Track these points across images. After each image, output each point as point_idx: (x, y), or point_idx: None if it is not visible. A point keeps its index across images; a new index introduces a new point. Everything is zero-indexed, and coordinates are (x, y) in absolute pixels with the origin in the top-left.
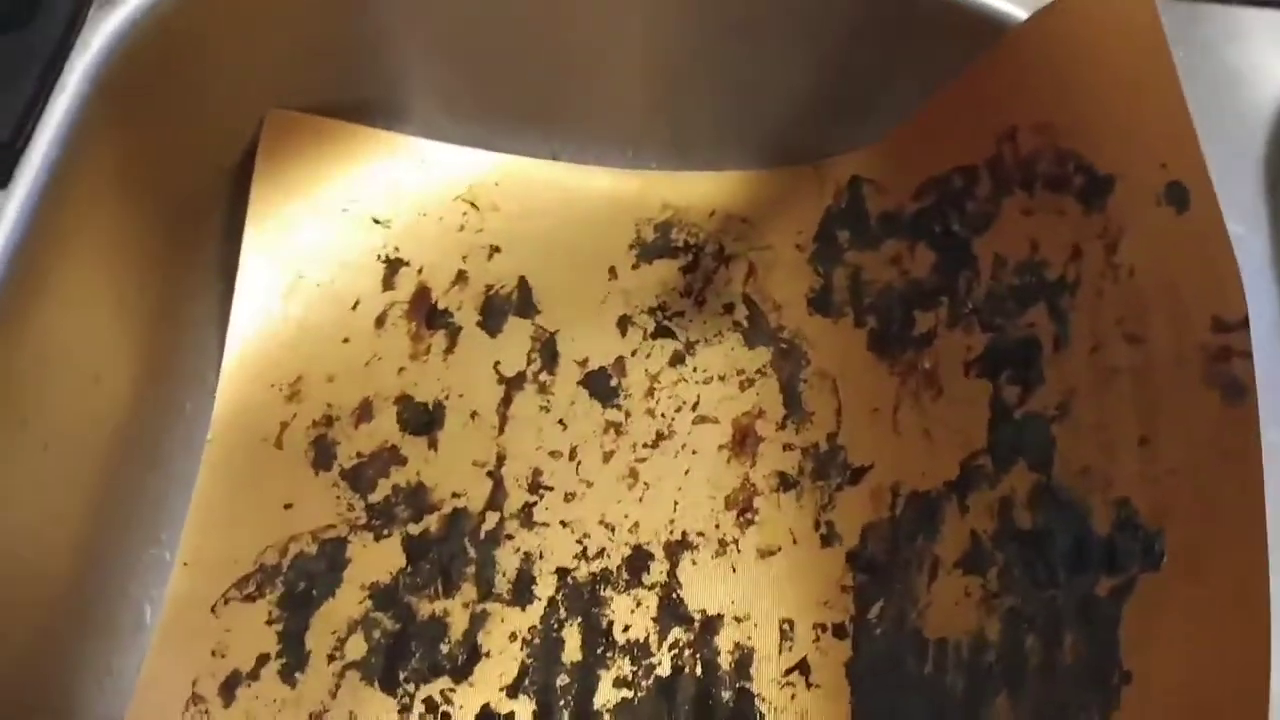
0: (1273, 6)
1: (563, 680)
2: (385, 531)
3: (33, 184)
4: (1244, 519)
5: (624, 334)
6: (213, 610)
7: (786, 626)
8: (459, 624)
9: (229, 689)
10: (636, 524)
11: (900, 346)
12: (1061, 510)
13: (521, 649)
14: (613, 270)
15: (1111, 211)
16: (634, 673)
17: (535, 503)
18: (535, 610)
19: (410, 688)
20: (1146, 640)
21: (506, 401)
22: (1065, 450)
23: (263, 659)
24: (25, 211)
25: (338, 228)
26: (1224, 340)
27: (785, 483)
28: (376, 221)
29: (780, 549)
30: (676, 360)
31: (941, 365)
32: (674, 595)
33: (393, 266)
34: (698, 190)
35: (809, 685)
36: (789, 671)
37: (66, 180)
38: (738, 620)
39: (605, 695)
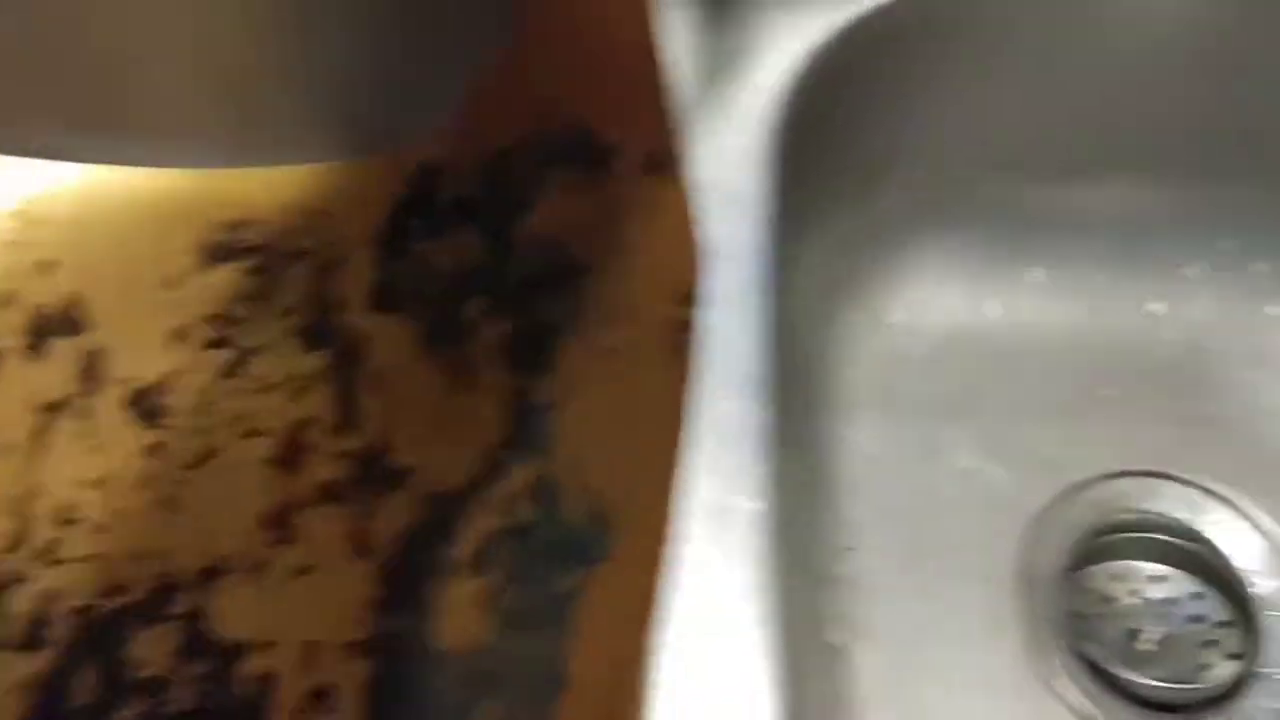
0: None
1: None
2: None
3: None
4: (666, 495)
5: (178, 347)
6: None
7: (311, 649)
8: None
9: None
10: (168, 551)
11: (448, 339)
12: (550, 502)
13: (26, 698)
14: (171, 280)
15: (612, 186)
16: (146, 713)
17: (62, 539)
18: (46, 655)
19: None
20: (587, 638)
21: (44, 430)
22: (563, 439)
23: None
24: None
25: None
26: (682, 313)
27: (328, 494)
28: None
29: (314, 566)
30: (228, 373)
31: (479, 356)
32: (198, 626)
33: None
34: (271, 185)
35: (326, 712)
36: (307, 697)
37: None
38: (264, 646)
39: None
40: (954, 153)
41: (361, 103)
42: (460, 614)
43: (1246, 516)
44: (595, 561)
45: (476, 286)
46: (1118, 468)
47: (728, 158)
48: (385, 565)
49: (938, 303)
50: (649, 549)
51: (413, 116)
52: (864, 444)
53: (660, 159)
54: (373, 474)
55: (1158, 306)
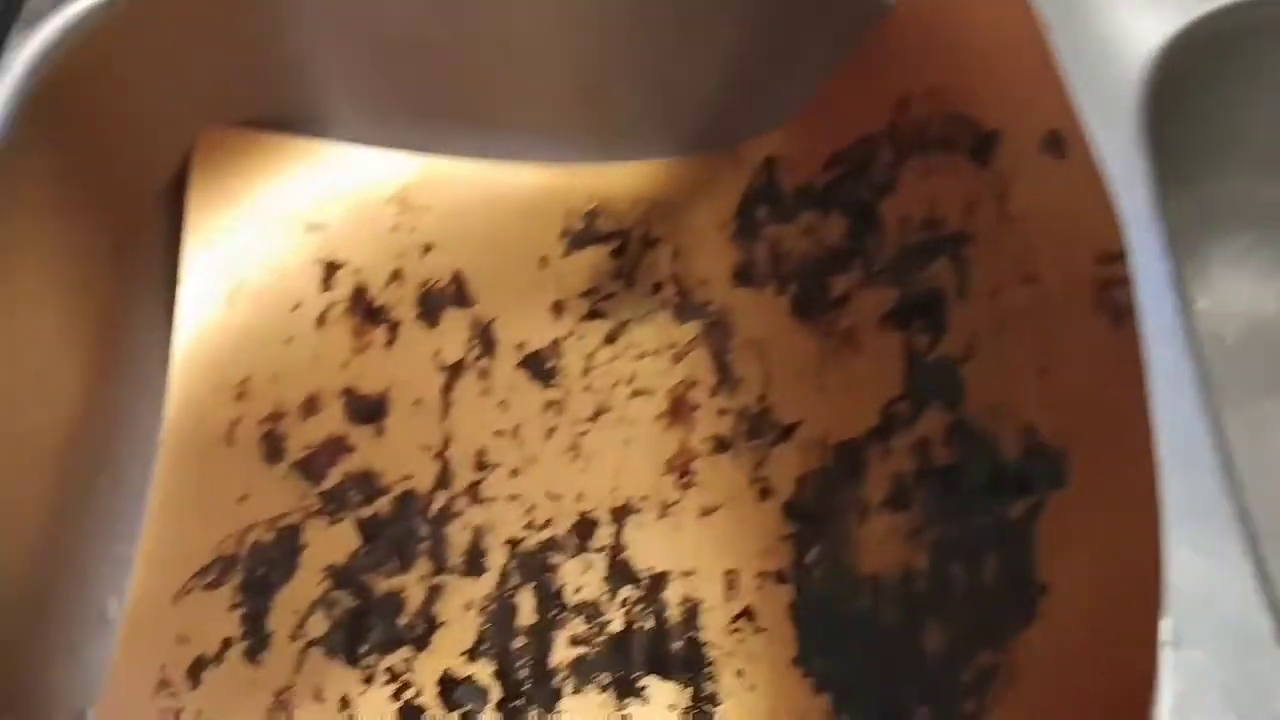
0: None
1: (519, 642)
2: (339, 516)
3: None
4: (1136, 430)
5: (559, 318)
6: (175, 601)
7: (731, 577)
8: (415, 597)
9: (195, 673)
10: (581, 493)
11: (820, 310)
12: (974, 444)
13: (477, 616)
14: (544, 260)
15: (999, 165)
16: (588, 631)
17: (482, 480)
18: (488, 580)
19: (372, 659)
20: (1057, 552)
21: (449, 388)
22: (974, 388)
23: (226, 643)
24: None
25: (274, 235)
26: (1108, 271)
27: (721, 445)
28: (312, 227)
29: (720, 506)
30: (610, 339)
31: (858, 323)
32: (621, 556)
33: (330, 269)
34: (623, 180)
35: (756, 630)
36: (736, 618)
37: (3, 197)
38: (685, 575)
39: (561, 653)
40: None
41: (709, 102)
42: (882, 545)
43: None
44: (1050, 489)
45: (843, 263)
46: None
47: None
48: (791, 504)
49: (1246, 290)
50: (1124, 479)
51: (758, 113)
52: None
53: (1057, 140)
54: (760, 428)
55: None
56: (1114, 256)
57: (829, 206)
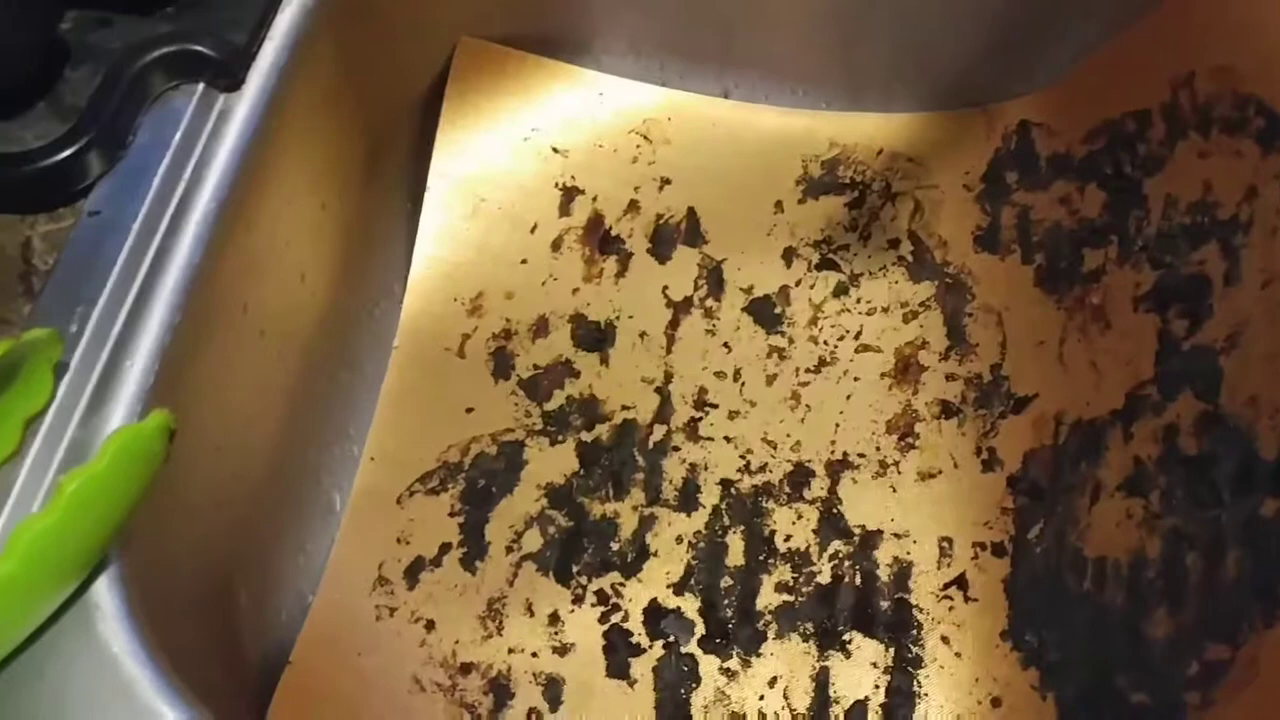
0: None
1: (726, 582)
2: (560, 437)
3: (261, 87)
4: None
5: (789, 265)
6: (398, 502)
7: (945, 544)
8: (628, 525)
9: (413, 573)
10: (798, 442)
11: (1068, 282)
12: (1227, 436)
13: (687, 551)
14: (779, 204)
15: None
16: (795, 579)
17: (701, 418)
18: (700, 517)
19: (583, 580)
20: None
21: (674, 324)
22: (1233, 380)
23: (445, 548)
24: (255, 112)
25: (519, 155)
26: None
27: (947, 410)
28: (555, 151)
29: (940, 472)
30: (840, 291)
31: (1109, 300)
32: (834, 510)
33: (569, 194)
34: (866, 130)
35: (967, 599)
36: (947, 585)
37: (290, 87)
38: (897, 536)
39: (767, 598)
40: None
41: (966, 59)
42: (1113, 529)
43: None
44: None
45: (1099, 238)
46: None
47: None
48: (1018, 479)
49: None
50: None
51: (1015, 75)
52: None
53: None
54: (990, 398)
55: None
56: None
57: (1087, 178)
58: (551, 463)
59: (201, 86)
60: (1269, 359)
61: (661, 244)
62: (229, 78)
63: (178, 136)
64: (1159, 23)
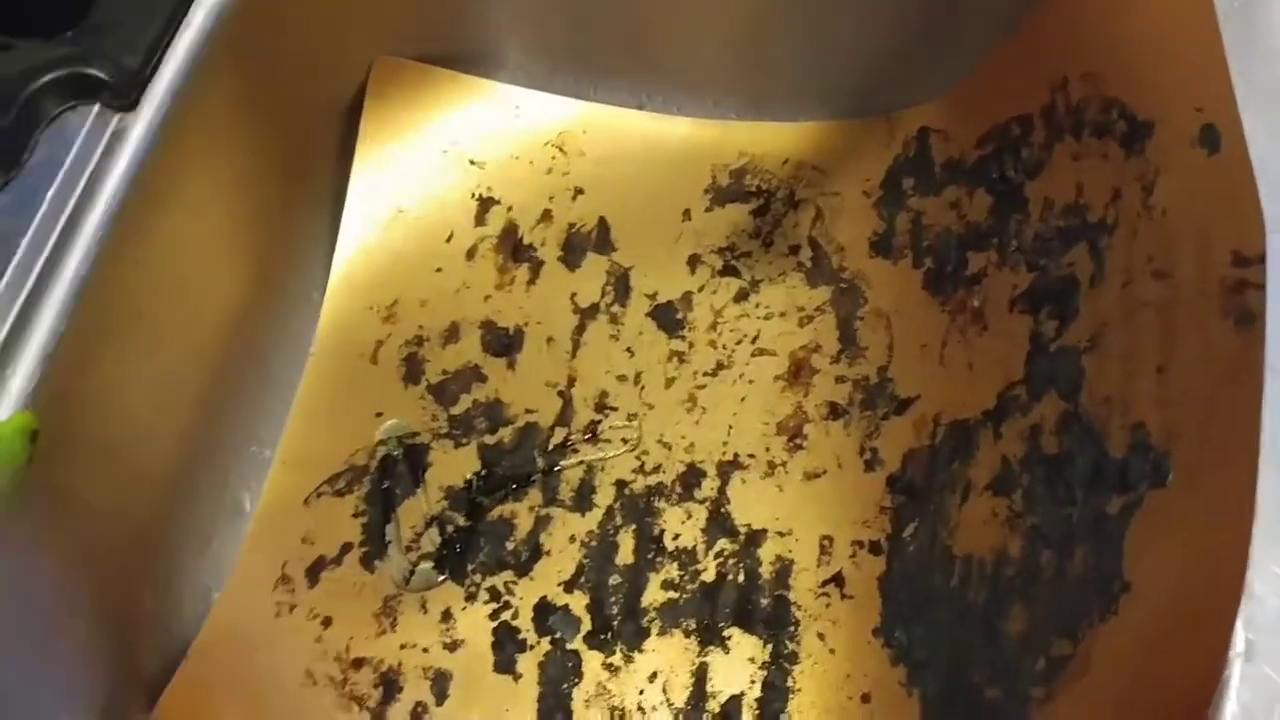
0: None
1: (615, 580)
2: (464, 440)
3: (157, 109)
4: (1242, 435)
5: (693, 271)
6: (306, 503)
7: (826, 542)
8: (524, 525)
9: (314, 572)
10: (692, 444)
11: (953, 286)
12: (1083, 435)
13: (579, 550)
14: (687, 213)
15: (1150, 155)
16: (681, 577)
17: (600, 421)
18: (594, 516)
19: (476, 578)
20: (1146, 552)
21: (580, 330)
22: (1092, 380)
23: (346, 547)
24: (150, 132)
25: (437, 167)
26: (1242, 274)
27: (835, 412)
28: (472, 163)
29: (825, 472)
30: (741, 297)
31: (988, 302)
32: (722, 510)
33: (485, 204)
34: (774, 139)
35: (843, 596)
36: (825, 583)
37: (187, 108)
38: (780, 535)
39: (653, 595)
40: None
41: (868, 68)
42: (979, 527)
43: None
44: (1151, 488)
45: (983, 241)
46: None
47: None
48: (896, 478)
49: None
50: (1223, 484)
51: (915, 83)
52: None
53: (1213, 134)
54: (876, 399)
55: None
56: (1251, 259)
57: (976, 182)
58: (454, 465)
59: (97, 107)
60: (1123, 359)
61: (572, 252)
62: (123, 98)
63: (71, 155)
64: (1036, 30)
